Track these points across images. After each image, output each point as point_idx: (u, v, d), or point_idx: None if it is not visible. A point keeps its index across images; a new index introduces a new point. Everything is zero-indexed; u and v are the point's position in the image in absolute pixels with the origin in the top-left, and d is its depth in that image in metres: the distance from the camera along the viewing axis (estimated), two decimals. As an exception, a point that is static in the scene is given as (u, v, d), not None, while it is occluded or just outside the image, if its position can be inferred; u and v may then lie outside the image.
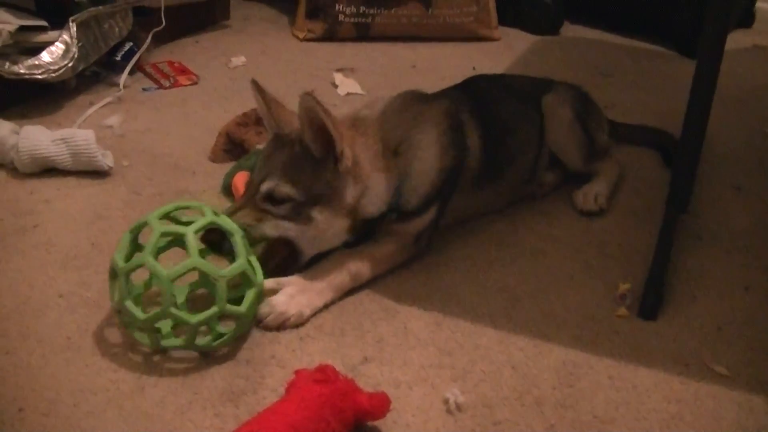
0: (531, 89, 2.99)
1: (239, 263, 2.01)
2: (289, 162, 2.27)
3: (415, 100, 2.59)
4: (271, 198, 2.25)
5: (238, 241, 2.05)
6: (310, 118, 2.21)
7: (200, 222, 2.03)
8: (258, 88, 2.37)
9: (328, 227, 2.31)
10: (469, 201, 2.67)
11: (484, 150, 2.62)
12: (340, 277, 2.30)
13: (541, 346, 2.18)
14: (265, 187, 2.25)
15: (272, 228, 2.26)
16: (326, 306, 2.26)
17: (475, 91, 2.83)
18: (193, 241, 1.98)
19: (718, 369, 2.13)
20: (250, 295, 2.05)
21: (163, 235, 2.00)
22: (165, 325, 2.06)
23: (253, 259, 2.10)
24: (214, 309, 1.96)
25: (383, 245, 2.41)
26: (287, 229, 2.27)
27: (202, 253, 2.08)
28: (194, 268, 1.97)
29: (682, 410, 1.99)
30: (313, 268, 2.30)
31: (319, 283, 2.25)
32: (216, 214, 2.08)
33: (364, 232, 2.42)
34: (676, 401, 2.02)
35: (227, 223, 2.07)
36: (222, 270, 1.97)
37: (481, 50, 4.46)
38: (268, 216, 2.25)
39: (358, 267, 2.34)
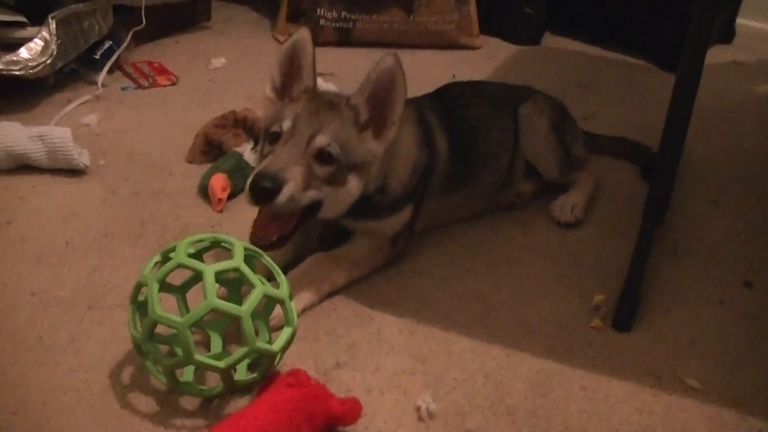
0: (507, 96, 2.98)
1: (256, 293, 1.86)
2: (340, 123, 2.23)
3: None
4: (321, 156, 2.19)
5: (257, 293, 1.88)
6: (382, 81, 2.20)
7: (223, 264, 1.89)
8: (310, 38, 2.30)
9: (354, 193, 2.29)
10: (442, 205, 2.67)
11: (452, 154, 2.64)
12: (319, 280, 2.29)
13: (515, 356, 2.18)
14: (318, 142, 2.18)
15: (315, 195, 2.21)
16: (305, 309, 2.25)
17: (445, 98, 2.84)
18: (211, 282, 1.83)
19: (691, 382, 2.14)
20: (285, 333, 1.94)
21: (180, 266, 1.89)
22: (188, 370, 1.97)
23: (288, 298, 1.96)
24: (243, 350, 1.84)
25: (360, 248, 2.40)
26: (325, 193, 2.23)
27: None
28: (213, 310, 1.82)
29: (653, 422, 2.00)
30: (290, 273, 2.27)
31: (297, 286, 2.23)
32: (247, 251, 1.96)
33: (340, 233, 2.44)
34: (648, 413, 2.02)
35: (250, 274, 1.90)
36: (242, 307, 1.84)
37: (462, 58, 4.46)
38: (313, 180, 2.18)
39: (336, 270, 2.34)
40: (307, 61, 2.30)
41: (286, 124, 2.22)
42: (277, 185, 2.09)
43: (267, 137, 2.28)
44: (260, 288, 1.87)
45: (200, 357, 1.83)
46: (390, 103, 2.25)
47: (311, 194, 2.20)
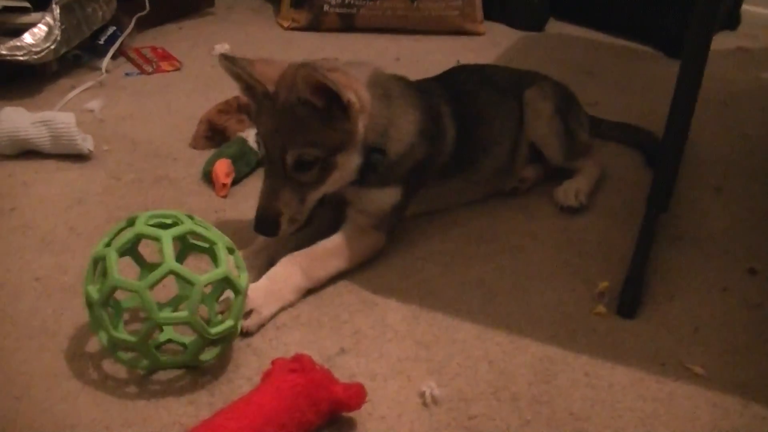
0: (513, 81, 2.97)
1: (220, 270, 1.88)
2: (300, 126, 2.20)
3: (402, 78, 2.61)
4: (300, 165, 2.20)
5: (221, 249, 1.92)
6: (309, 84, 2.16)
7: (180, 228, 1.89)
8: (229, 60, 2.28)
9: (349, 166, 2.32)
10: (439, 190, 2.67)
11: (456, 142, 2.63)
12: (295, 277, 2.25)
13: (518, 342, 2.18)
14: (290, 158, 2.19)
15: (315, 196, 2.28)
16: (285, 308, 2.21)
17: (452, 84, 2.82)
18: (169, 245, 1.84)
19: (695, 369, 2.13)
20: (237, 302, 1.93)
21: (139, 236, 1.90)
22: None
23: (230, 247, 1.97)
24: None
25: (343, 239, 2.38)
26: (320, 190, 2.28)
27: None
28: (170, 272, 1.82)
29: (657, 409, 1.99)
30: (268, 272, 2.24)
31: (274, 285, 2.20)
32: (193, 220, 1.96)
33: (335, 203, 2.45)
34: (651, 400, 2.02)
35: (207, 232, 1.94)
36: (200, 276, 1.84)
37: (466, 44, 4.45)
38: (305, 188, 2.24)
39: (313, 266, 2.29)
40: (246, 76, 2.27)
41: (262, 150, 2.29)
42: (274, 224, 2.21)
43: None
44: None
45: (164, 314, 1.83)
46: (328, 90, 2.17)
47: (311, 199, 2.26)
